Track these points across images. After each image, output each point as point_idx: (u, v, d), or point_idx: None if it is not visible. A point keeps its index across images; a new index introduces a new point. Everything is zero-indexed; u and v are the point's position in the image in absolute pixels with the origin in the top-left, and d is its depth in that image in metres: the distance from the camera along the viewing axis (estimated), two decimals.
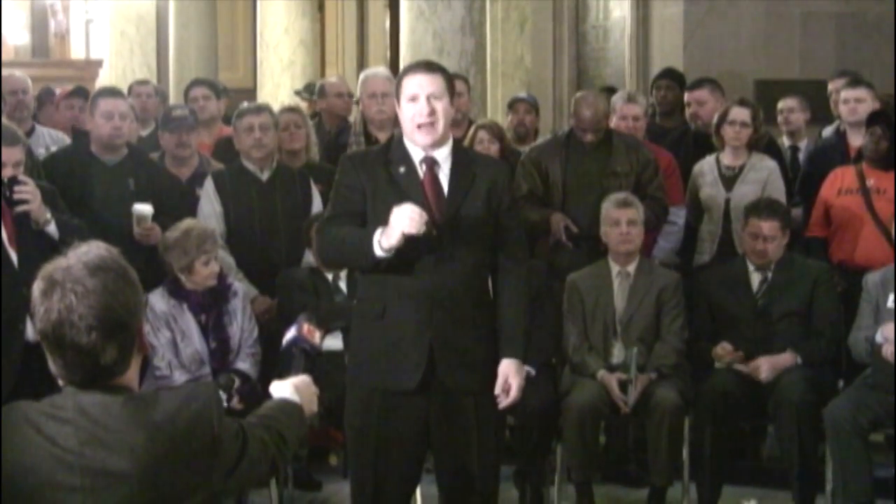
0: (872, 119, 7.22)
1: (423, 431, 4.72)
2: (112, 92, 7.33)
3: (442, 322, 4.63)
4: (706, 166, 7.52)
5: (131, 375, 2.78)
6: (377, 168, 4.68)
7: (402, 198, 4.57)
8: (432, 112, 4.61)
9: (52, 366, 2.74)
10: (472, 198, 4.68)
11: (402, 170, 4.69)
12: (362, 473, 4.79)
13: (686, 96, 8.29)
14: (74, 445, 2.66)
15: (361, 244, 4.53)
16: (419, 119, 4.62)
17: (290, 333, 3.94)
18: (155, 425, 2.68)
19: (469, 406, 4.69)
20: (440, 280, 4.62)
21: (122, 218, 6.51)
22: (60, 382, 2.76)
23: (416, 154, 4.71)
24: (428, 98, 4.61)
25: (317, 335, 3.98)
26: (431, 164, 4.70)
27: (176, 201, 6.89)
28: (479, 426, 4.70)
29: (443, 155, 4.71)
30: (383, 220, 4.47)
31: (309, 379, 3.42)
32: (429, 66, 4.77)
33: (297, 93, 14.56)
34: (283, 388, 3.32)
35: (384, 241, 4.44)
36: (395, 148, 4.77)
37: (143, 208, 6.57)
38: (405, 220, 4.38)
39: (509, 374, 4.69)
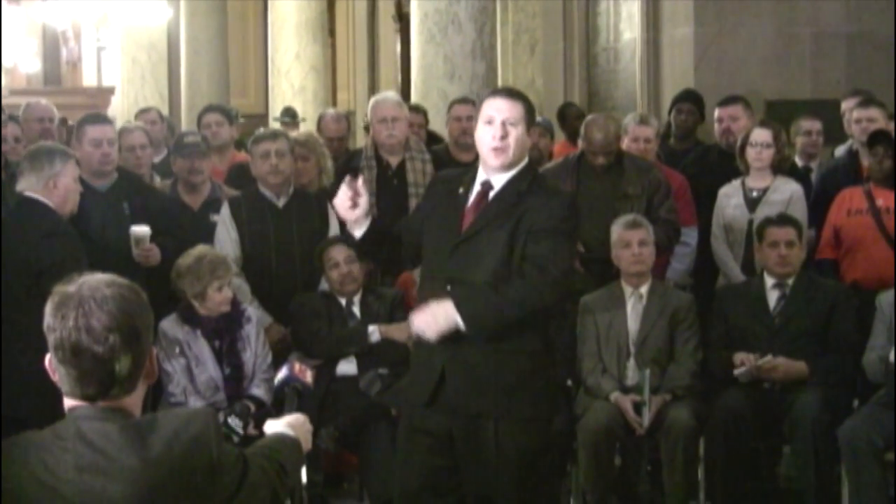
0: (874, 139, 7.21)
1: (446, 448, 4.73)
2: (99, 118, 7.35)
3: (454, 343, 4.62)
4: (731, 188, 7.50)
5: (136, 400, 2.79)
6: (446, 187, 4.83)
7: (444, 216, 4.75)
8: (504, 136, 4.63)
9: (63, 382, 2.73)
10: (501, 221, 4.64)
11: (461, 190, 4.76)
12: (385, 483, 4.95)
13: (717, 112, 8.22)
14: (73, 473, 2.67)
15: None
16: (491, 143, 4.65)
17: (282, 373, 3.96)
18: (153, 451, 2.69)
19: (489, 429, 4.65)
20: (453, 301, 4.60)
21: (121, 241, 6.55)
22: (66, 403, 2.76)
23: (482, 177, 4.76)
24: (503, 123, 4.64)
25: (308, 374, 3.99)
26: (488, 188, 4.73)
27: (172, 221, 6.91)
28: (498, 450, 4.65)
29: (501, 180, 4.72)
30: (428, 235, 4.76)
31: (304, 417, 3.44)
32: (510, 93, 4.81)
33: (282, 119, 14.50)
34: (277, 426, 3.35)
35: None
36: (471, 170, 4.86)
37: (141, 230, 6.61)
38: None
39: (434, 307, 4.55)
